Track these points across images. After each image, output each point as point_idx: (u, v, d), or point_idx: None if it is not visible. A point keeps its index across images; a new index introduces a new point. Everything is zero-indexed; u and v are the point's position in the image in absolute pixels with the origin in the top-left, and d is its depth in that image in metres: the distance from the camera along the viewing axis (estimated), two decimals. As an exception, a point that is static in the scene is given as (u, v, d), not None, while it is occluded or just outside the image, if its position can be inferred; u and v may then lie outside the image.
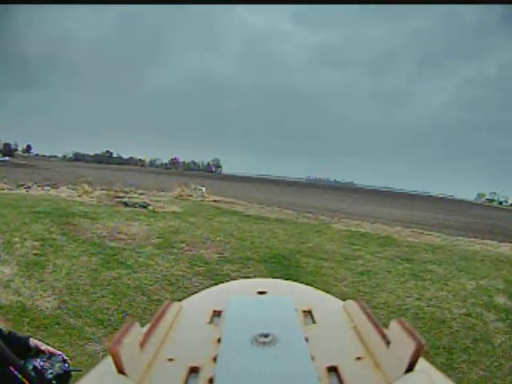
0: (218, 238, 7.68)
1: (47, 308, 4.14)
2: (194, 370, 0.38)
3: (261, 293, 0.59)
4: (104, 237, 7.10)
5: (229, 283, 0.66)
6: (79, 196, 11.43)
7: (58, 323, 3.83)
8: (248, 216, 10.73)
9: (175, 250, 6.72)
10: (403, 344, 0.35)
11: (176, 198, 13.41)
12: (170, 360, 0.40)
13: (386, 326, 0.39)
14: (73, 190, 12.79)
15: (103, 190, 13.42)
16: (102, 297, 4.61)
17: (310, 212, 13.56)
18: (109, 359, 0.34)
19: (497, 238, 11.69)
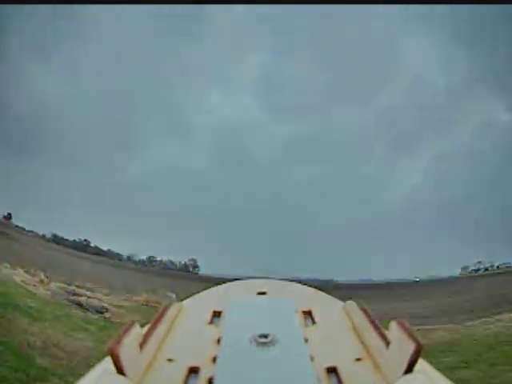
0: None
1: None
2: (193, 371, 0.38)
3: (261, 293, 0.62)
4: (36, 348, 5.82)
5: (229, 284, 0.68)
6: (34, 285, 10.17)
7: None
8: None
9: None
10: (403, 345, 0.35)
11: (142, 304, 12.17)
12: (170, 360, 0.40)
13: (386, 327, 0.40)
14: (31, 275, 11.50)
15: (63, 282, 12.08)
16: None
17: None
18: (108, 359, 0.34)
19: (507, 308, 9.72)
